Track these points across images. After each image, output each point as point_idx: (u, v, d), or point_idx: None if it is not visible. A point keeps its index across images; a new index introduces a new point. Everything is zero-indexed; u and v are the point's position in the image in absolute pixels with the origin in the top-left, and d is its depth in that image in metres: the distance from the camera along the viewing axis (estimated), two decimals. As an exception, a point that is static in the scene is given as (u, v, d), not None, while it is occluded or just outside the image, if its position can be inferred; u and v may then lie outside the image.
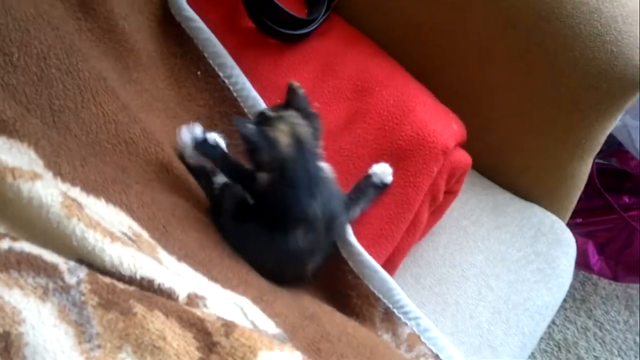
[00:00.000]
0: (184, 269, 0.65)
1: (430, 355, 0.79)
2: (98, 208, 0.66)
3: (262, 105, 0.87)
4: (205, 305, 0.58)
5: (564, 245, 0.97)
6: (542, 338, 1.37)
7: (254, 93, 0.89)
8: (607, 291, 1.51)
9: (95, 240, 0.57)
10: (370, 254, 0.82)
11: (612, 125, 0.94)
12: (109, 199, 0.67)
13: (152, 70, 0.88)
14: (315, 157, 0.75)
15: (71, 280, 0.54)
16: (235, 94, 0.89)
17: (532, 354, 1.38)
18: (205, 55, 0.91)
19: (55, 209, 0.57)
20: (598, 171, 1.33)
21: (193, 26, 0.92)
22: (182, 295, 0.58)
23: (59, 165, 0.65)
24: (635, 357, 1.42)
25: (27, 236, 0.57)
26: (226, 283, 0.68)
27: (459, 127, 0.90)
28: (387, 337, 0.81)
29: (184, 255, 0.67)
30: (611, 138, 0.98)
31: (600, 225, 1.37)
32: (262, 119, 0.74)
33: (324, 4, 0.98)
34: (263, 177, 0.74)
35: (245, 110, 0.88)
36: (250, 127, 0.72)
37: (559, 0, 0.86)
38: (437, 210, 0.91)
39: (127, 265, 0.57)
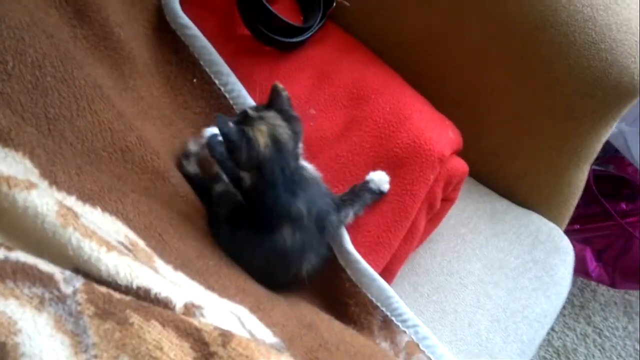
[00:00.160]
0: (181, 278, 0.65)
1: (429, 363, 0.79)
2: (94, 217, 0.65)
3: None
4: (202, 315, 0.58)
5: (561, 253, 0.97)
6: (541, 345, 1.37)
7: (250, 100, 0.89)
8: (606, 297, 1.51)
9: (91, 250, 0.56)
10: (368, 261, 0.82)
11: (608, 133, 0.94)
12: (105, 208, 0.67)
13: (147, 78, 0.88)
14: (295, 157, 0.75)
15: (67, 290, 0.54)
16: (231, 102, 0.89)
17: (531, 361, 1.37)
18: (201, 62, 0.91)
19: (51, 218, 0.57)
20: (595, 178, 1.33)
21: (189, 34, 0.92)
22: (178, 305, 0.57)
23: (55, 174, 0.65)
24: (634, 363, 1.42)
25: (23, 246, 0.57)
26: (223, 292, 0.67)
27: (455, 135, 0.90)
28: (385, 345, 0.80)
29: (180, 264, 0.67)
30: (608, 145, 0.98)
31: (597, 231, 1.37)
32: (243, 118, 0.75)
33: (320, 12, 0.98)
34: (246, 177, 0.75)
35: (242, 118, 0.88)
36: (231, 125, 0.73)
37: (553, 9, 0.87)
38: (434, 217, 0.91)
39: (123, 275, 0.56)
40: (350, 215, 0.82)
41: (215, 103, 0.90)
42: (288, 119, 0.75)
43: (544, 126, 0.95)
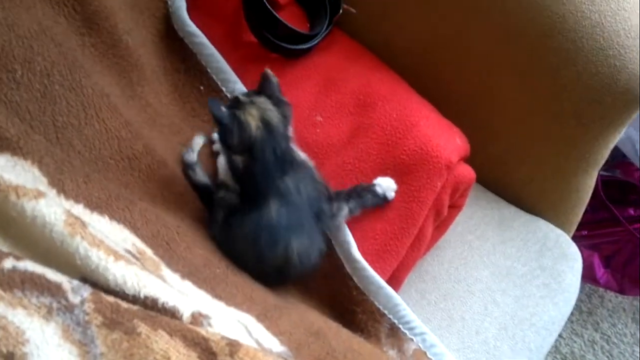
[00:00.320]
0: (188, 286, 0.65)
1: (437, 372, 0.79)
2: (102, 225, 0.65)
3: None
4: (209, 324, 0.58)
5: (569, 260, 0.97)
6: (548, 352, 1.36)
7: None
8: (614, 304, 1.50)
9: (98, 259, 0.56)
10: (375, 269, 0.82)
11: (616, 139, 0.93)
12: (112, 216, 0.67)
13: (155, 86, 0.88)
14: (286, 139, 0.77)
15: (75, 299, 0.54)
16: (238, 109, 0.89)
17: (539, 368, 1.36)
18: (209, 70, 0.91)
19: (59, 227, 0.57)
20: (602, 183, 1.32)
21: (196, 41, 0.92)
22: (186, 314, 0.57)
23: (63, 182, 0.65)
24: (643, 370, 1.41)
25: (31, 255, 0.57)
26: (230, 300, 0.67)
27: (462, 142, 0.90)
28: (392, 353, 0.80)
29: (187, 272, 0.67)
30: (615, 150, 0.97)
31: (605, 237, 1.37)
32: (235, 103, 0.77)
33: (326, 19, 0.98)
34: (238, 160, 0.76)
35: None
36: (223, 110, 0.75)
37: (561, 15, 0.86)
38: (441, 224, 0.91)
39: (131, 284, 0.56)
40: (344, 210, 0.81)
41: (223, 110, 0.90)
42: (278, 103, 0.77)
43: (551, 132, 0.94)
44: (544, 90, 0.92)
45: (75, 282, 0.55)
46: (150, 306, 0.56)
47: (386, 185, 0.83)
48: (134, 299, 0.56)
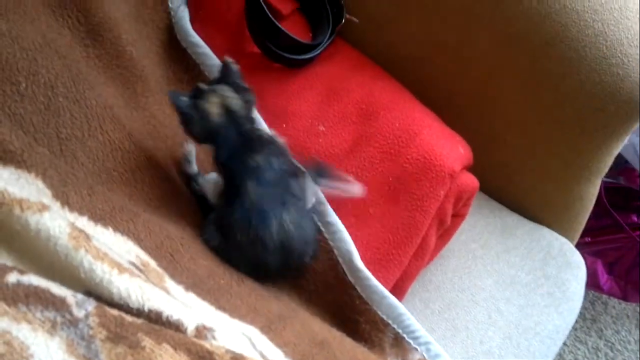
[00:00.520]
0: (192, 298, 0.65)
1: (441, 382, 0.78)
2: (106, 237, 0.65)
3: (265, 129, 0.87)
4: (213, 337, 0.57)
5: (573, 268, 0.96)
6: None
7: (258, 117, 0.89)
8: (618, 310, 1.49)
9: (102, 272, 0.56)
10: (378, 278, 0.81)
11: (620, 147, 0.93)
12: (116, 228, 0.67)
13: (159, 96, 0.88)
14: (250, 121, 0.78)
15: (79, 313, 0.54)
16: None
17: (543, 375, 1.36)
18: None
19: (63, 240, 0.57)
20: (605, 190, 1.32)
21: (199, 52, 0.92)
22: (190, 327, 0.57)
23: (67, 194, 0.65)
24: (647, 377, 1.41)
25: (35, 268, 0.57)
26: (234, 312, 0.67)
27: (465, 150, 0.90)
28: (396, 363, 0.80)
29: (191, 284, 0.67)
30: (618, 157, 0.97)
31: (609, 244, 1.36)
32: (196, 93, 0.77)
33: (329, 29, 0.99)
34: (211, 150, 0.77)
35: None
36: (183, 99, 0.75)
37: (564, 24, 0.86)
38: (445, 233, 0.90)
39: (135, 297, 0.56)
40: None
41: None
42: (239, 90, 0.77)
43: (554, 141, 0.94)
44: (547, 98, 0.92)
45: (80, 296, 0.55)
46: (154, 319, 0.56)
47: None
48: (138, 312, 0.56)
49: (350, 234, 0.83)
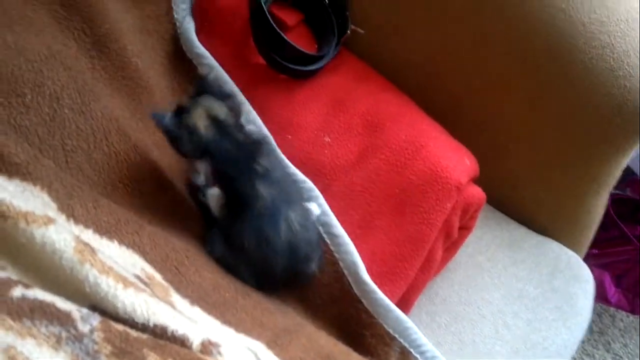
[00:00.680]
0: (197, 312, 0.64)
1: (448, 397, 0.77)
2: (111, 250, 0.65)
3: (272, 141, 0.87)
4: (219, 353, 0.57)
5: (581, 282, 0.95)
6: (559, 373, 1.34)
7: (264, 129, 0.89)
8: (625, 323, 1.48)
9: (108, 287, 0.56)
10: (384, 292, 0.81)
11: (627, 159, 0.93)
12: (122, 241, 0.67)
13: (165, 107, 0.88)
14: (240, 128, 0.76)
15: (84, 328, 0.53)
16: (247, 131, 0.89)
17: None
18: (217, 92, 0.91)
19: (69, 254, 0.57)
20: (613, 201, 1.31)
21: (204, 63, 0.92)
22: (195, 342, 0.57)
23: (72, 207, 0.65)
24: (655, 391, 1.39)
25: (40, 282, 0.57)
26: (240, 326, 0.66)
27: (471, 163, 0.89)
28: (403, 377, 0.79)
29: (197, 297, 0.66)
30: (625, 168, 0.97)
31: (616, 256, 1.35)
32: (179, 110, 0.75)
33: (334, 39, 0.99)
34: (201, 167, 0.76)
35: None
36: (168, 119, 0.73)
37: (570, 36, 0.86)
38: (451, 246, 0.90)
39: (140, 312, 0.56)
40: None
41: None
42: (221, 97, 0.75)
43: (562, 153, 0.94)
44: (553, 110, 0.91)
45: (85, 311, 0.55)
46: (159, 334, 0.56)
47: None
48: (143, 327, 0.56)
49: (356, 246, 0.82)
